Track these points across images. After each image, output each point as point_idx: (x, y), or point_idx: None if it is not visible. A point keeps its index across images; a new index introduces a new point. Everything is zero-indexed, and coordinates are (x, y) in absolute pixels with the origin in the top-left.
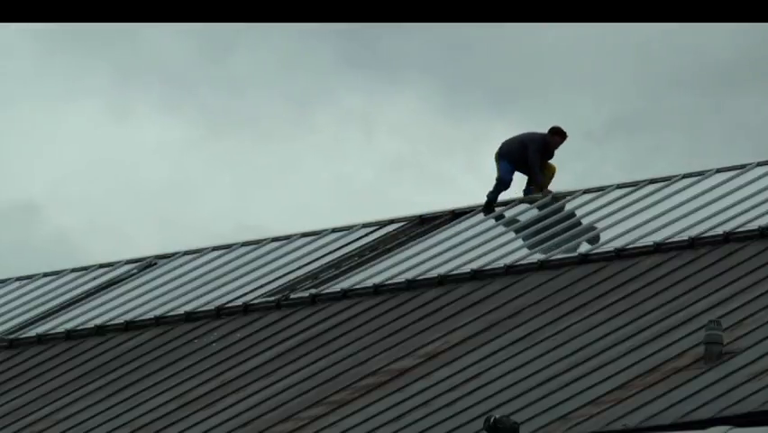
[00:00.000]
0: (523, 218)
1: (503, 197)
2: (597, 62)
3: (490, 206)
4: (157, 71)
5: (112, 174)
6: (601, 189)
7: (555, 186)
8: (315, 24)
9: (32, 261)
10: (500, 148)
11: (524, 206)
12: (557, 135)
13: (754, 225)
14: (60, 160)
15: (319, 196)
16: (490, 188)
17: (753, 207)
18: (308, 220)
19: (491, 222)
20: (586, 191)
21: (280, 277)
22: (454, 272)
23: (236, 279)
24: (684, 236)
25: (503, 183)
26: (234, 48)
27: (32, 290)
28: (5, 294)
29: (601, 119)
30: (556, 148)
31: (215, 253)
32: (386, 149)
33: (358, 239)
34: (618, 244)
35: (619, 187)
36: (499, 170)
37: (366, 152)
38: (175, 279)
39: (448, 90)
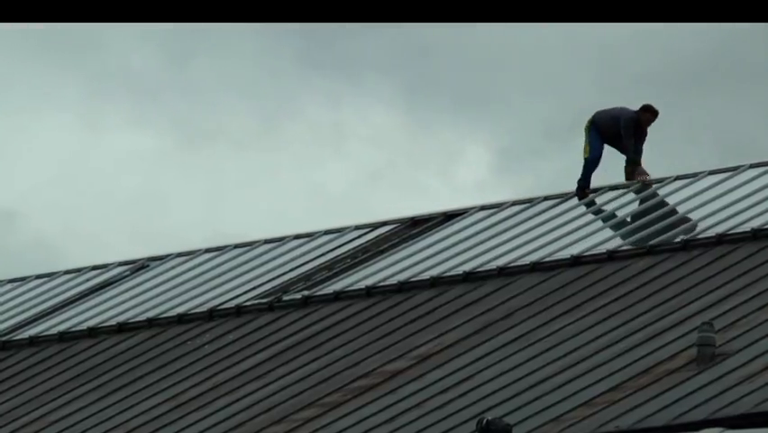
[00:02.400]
0: (516, 220)
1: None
2: (559, 63)
3: (583, 191)
4: (124, 82)
5: (85, 183)
6: (595, 191)
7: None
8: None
9: (10, 266)
10: (593, 118)
11: (516, 207)
12: (648, 112)
13: (746, 227)
14: (34, 169)
15: (291, 204)
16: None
17: (745, 209)
18: (280, 228)
19: (484, 224)
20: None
21: (273, 279)
22: (447, 274)
23: (229, 281)
24: (677, 238)
25: (593, 162)
26: (196, 54)
27: (24, 292)
28: None
29: (566, 119)
30: (648, 125)
31: (208, 255)
32: (356, 157)
33: (350, 241)
34: (611, 245)
35: (612, 189)
36: (589, 144)
37: (336, 160)
38: (167, 280)
39: (409, 94)
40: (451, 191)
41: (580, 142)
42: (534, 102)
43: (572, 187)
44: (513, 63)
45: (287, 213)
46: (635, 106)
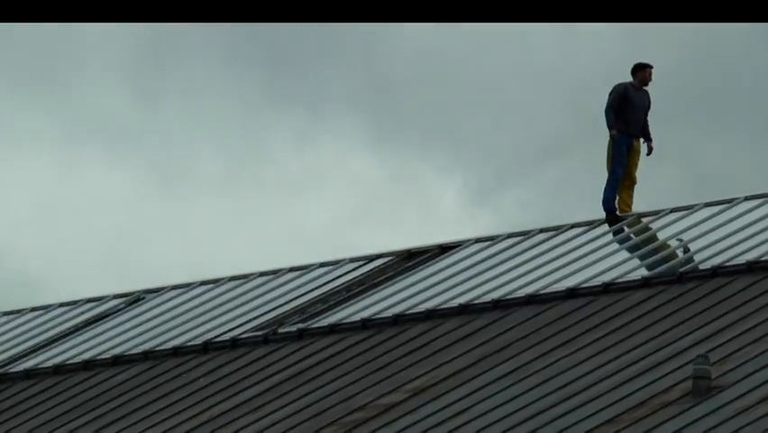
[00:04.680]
0: (511, 252)
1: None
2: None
3: (613, 215)
4: (98, 124)
5: (63, 221)
6: (589, 224)
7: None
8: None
9: None
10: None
11: (511, 240)
12: (639, 71)
13: (741, 260)
14: (12, 208)
15: (266, 241)
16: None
17: (740, 242)
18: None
19: (479, 256)
20: (573, 225)
21: (268, 312)
22: (442, 307)
23: (224, 313)
24: (672, 271)
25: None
26: (165, 93)
27: (19, 325)
28: None
29: (532, 147)
30: (647, 82)
31: (203, 288)
32: (329, 195)
33: (345, 273)
34: (606, 278)
35: (604, 222)
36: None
37: (309, 198)
38: (163, 313)
39: (375, 128)
40: (427, 227)
41: (550, 170)
42: (502, 132)
43: (547, 216)
44: (481, 94)
45: (261, 250)
46: (595, 134)
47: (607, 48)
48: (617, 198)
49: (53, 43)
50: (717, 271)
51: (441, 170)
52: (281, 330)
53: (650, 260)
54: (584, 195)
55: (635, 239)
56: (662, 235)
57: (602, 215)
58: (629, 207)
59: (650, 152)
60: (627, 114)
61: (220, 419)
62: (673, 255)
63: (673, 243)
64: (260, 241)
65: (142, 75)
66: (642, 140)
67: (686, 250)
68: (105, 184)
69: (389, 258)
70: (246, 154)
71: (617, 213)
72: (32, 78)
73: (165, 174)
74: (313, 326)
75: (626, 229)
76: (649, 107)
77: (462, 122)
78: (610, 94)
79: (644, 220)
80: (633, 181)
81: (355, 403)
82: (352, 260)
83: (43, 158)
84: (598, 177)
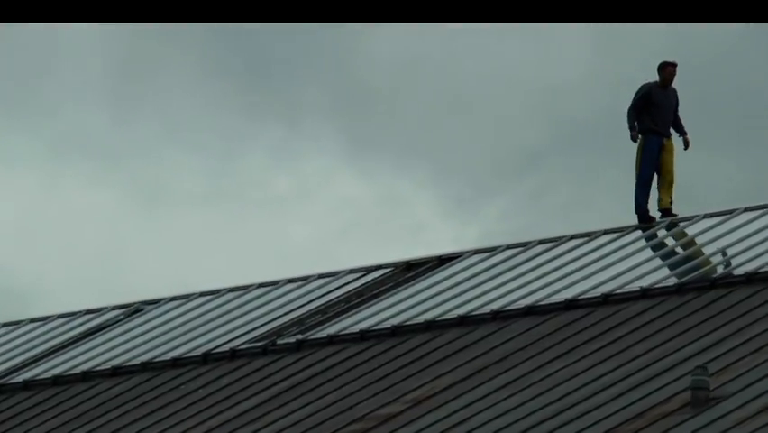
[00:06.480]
0: (511, 263)
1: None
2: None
3: (647, 216)
4: (79, 144)
5: (48, 238)
6: (588, 235)
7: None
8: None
9: None
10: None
11: (511, 251)
12: (663, 70)
13: (740, 271)
14: None
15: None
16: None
17: (739, 253)
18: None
19: (478, 267)
20: (573, 237)
21: (267, 323)
22: (441, 318)
23: (223, 324)
24: (671, 282)
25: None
26: (143, 109)
27: (18, 336)
28: None
29: (514, 160)
30: (671, 80)
31: (202, 299)
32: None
33: (344, 285)
34: (605, 289)
35: (606, 232)
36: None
37: (290, 212)
38: (162, 324)
39: (353, 142)
40: (410, 241)
41: (530, 180)
42: (480, 144)
43: (538, 227)
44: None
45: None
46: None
47: (583, 55)
48: (648, 198)
49: (31, 58)
50: (715, 283)
51: (419, 182)
52: (280, 341)
53: (649, 270)
54: (565, 205)
55: (634, 250)
56: (664, 244)
57: (599, 226)
58: (669, 206)
59: (687, 145)
60: (654, 113)
61: (219, 430)
62: (674, 265)
63: (680, 250)
64: (243, 256)
65: (121, 91)
66: (678, 135)
67: (726, 260)
68: (87, 201)
69: (388, 269)
70: (226, 169)
71: (650, 214)
72: (10, 94)
73: (147, 191)
74: (311, 337)
75: (627, 238)
76: (677, 104)
77: (440, 133)
78: (635, 94)
79: (651, 229)
80: (671, 180)
81: (354, 414)
82: (351, 271)
83: (26, 175)
84: (579, 186)
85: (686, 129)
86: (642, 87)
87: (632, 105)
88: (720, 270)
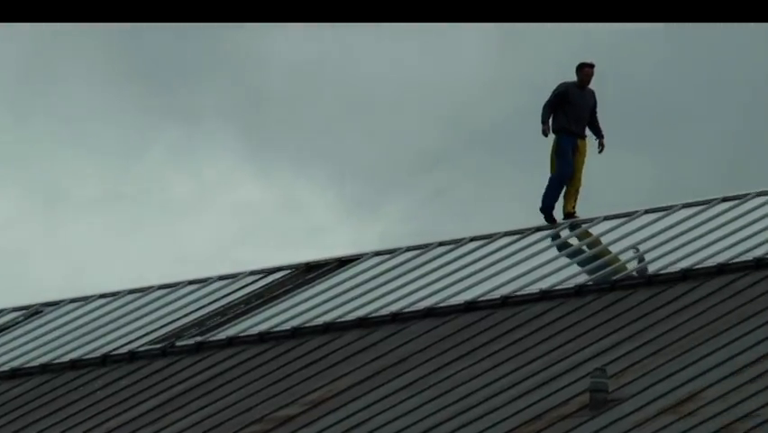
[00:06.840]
0: (410, 265)
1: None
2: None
3: (550, 216)
4: None
5: None
6: (488, 237)
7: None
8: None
9: None
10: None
11: (410, 253)
12: (580, 71)
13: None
14: None
15: (148, 259)
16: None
17: (643, 254)
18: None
19: (378, 270)
20: (473, 239)
21: (166, 324)
22: (340, 320)
23: (122, 326)
24: (570, 284)
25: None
26: (39, 113)
27: None
28: None
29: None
30: (588, 81)
31: (102, 301)
32: (209, 210)
33: (244, 286)
34: (505, 291)
35: (506, 234)
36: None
37: (190, 213)
38: (61, 326)
39: (251, 145)
40: (309, 243)
41: (429, 182)
42: (379, 146)
43: (438, 229)
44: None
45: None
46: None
47: (484, 57)
48: (557, 200)
49: None
50: (615, 285)
51: (318, 184)
52: (179, 343)
53: (551, 271)
54: (465, 206)
55: (534, 252)
56: (564, 246)
57: (499, 228)
58: (572, 210)
59: (601, 148)
60: (569, 112)
61: (118, 431)
62: (575, 266)
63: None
64: (143, 258)
65: (19, 92)
66: (593, 138)
67: (638, 255)
68: None
69: (288, 271)
70: (125, 171)
71: (554, 216)
72: None
73: (46, 192)
74: (211, 339)
75: (527, 240)
76: (595, 105)
77: (339, 134)
78: (553, 91)
79: (542, 234)
80: (578, 187)
81: (253, 416)
82: (251, 273)
83: None
84: (479, 188)
85: (603, 132)
86: (560, 86)
87: (548, 101)
88: (622, 271)
